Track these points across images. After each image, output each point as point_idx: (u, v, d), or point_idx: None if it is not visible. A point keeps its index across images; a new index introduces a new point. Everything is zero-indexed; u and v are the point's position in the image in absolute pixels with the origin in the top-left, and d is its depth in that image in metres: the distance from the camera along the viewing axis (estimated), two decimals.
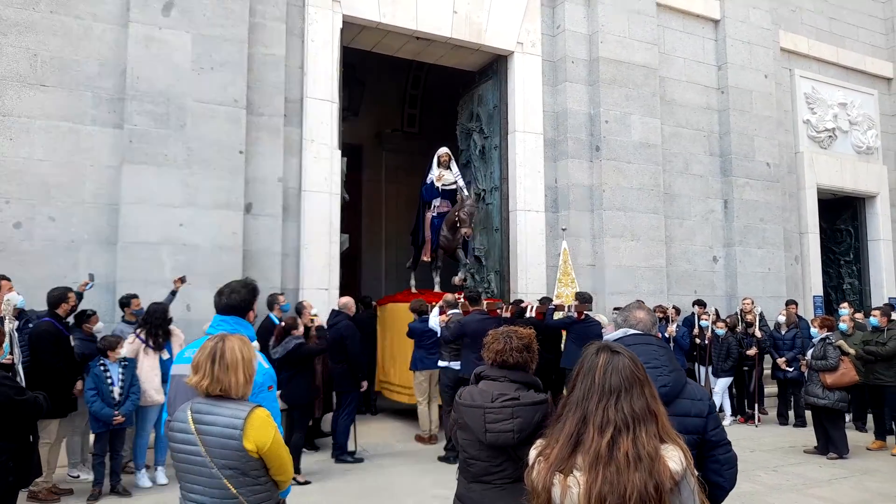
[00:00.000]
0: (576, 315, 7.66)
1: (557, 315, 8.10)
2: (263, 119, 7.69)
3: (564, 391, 2.70)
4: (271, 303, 7.13)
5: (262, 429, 2.28)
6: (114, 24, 7.04)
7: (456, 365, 7.04)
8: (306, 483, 5.84)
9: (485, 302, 7.53)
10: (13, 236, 6.44)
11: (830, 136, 12.60)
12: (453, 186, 9.71)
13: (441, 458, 6.83)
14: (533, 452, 1.84)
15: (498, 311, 7.56)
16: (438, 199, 9.72)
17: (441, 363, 7.27)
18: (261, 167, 7.61)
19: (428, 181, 9.90)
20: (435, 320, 7.43)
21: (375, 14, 8.63)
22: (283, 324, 6.09)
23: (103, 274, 6.67)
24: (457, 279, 9.39)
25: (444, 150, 9.89)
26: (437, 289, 9.67)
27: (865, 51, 13.50)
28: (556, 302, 8.06)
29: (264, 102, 7.72)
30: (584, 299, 7.81)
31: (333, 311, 7.28)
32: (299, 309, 7.21)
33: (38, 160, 6.60)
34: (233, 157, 7.30)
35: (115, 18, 7.05)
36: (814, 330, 7.69)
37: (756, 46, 11.43)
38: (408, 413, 8.63)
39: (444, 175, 9.75)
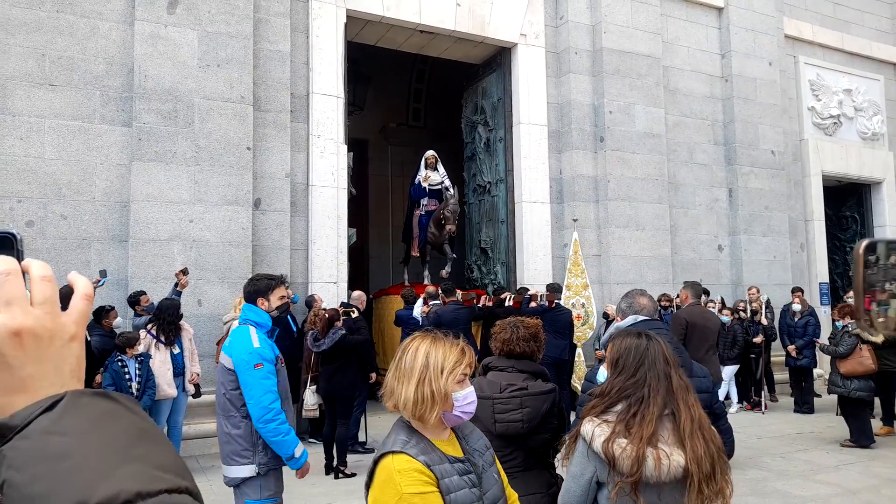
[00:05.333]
0: (547, 304, 8.06)
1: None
2: (270, 115, 7.75)
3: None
4: None
5: (382, 488, 1.65)
6: (119, 22, 7.10)
7: None
8: (353, 475, 5.94)
9: (459, 293, 8.07)
10: (25, 235, 6.52)
11: (835, 123, 12.56)
12: (439, 186, 10.18)
13: None
14: (601, 429, 1.97)
15: (472, 300, 8.09)
16: (426, 198, 10.29)
17: None
18: (268, 163, 7.68)
19: (416, 182, 10.42)
20: (418, 311, 7.92)
21: (379, 8, 8.66)
22: (327, 315, 6.14)
23: (115, 270, 6.76)
24: (444, 272, 9.77)
25: (430, 152, 10.40)
26: (426, 282, 10.03)
27: (871, 36, 13.43)
28: (531, 292, 8.42)
29: (270, 98, 7.77)
30: (554, 289, 8.26)
31: (343, 303, 7.37)
32: (309, 303, 7.31)
33: (48, 159, 6.67)
34: (240, 153, 7.36)
35: (120, 17, 7.10)
36: (838, 322, 7.68)
37: (760, 34, 11.40)
38: None
39: (430, 176, 10.25)
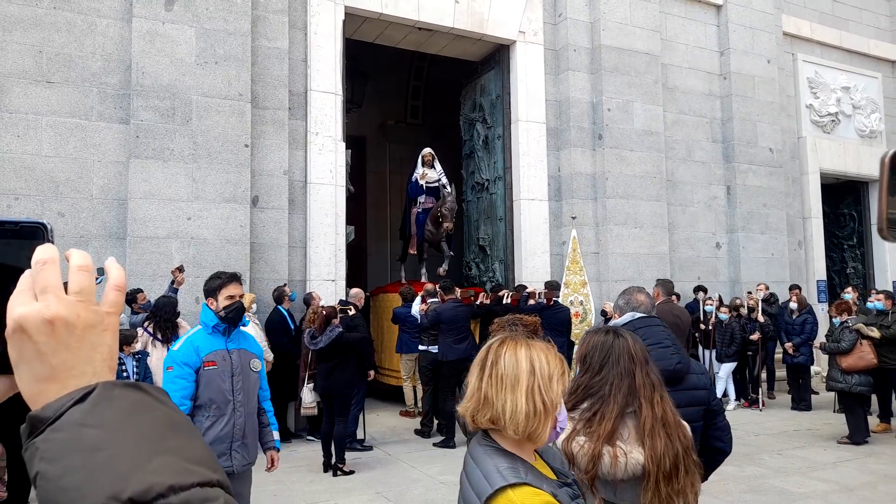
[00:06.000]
0: (545, 301, 8.08)
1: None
2: (268, 112, 7.73)
3: None
4: (280, 296, 7.21)
5: None
6: (117, 19, 7.08)
7: (434, 349, 7.55)
8: (351, 473, 5.94)
9: (458, 291, 8.07)
10: (4, 215, 6.50)
11: (833, 121, 12.58)
12: (437, 184, 10.17)
13: (417, 432, 7.54)
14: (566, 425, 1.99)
15: (471, 298, 8.13)
16: (423, 195, 10.22)
17: (421, 347, 7.86)
18: (266, 160, 7.67)
19: (413, 179, 10.37)
20: (416, 308, 7.95)
21: (377, 5, 8.64)
22: (324, 313, 6.13)
23: None
24: (441, 270, 9.76)
25: (427, 150, 10.35)
26: (423, 279, 10.02)
27: (869, 34, 13.44)
28: (529, 289, 8.42)
29: (269, 96, 7.76)
30: (552, 287, 8.31)
31: (342, 300, 7.37)
32: (307, 300, 7.31)
33: (45, 156, 6.66)
34: (238, 150, 7.35)
35: (118, 13, 7.08)
36: (835, 319, 7.71)
37: (758, 31, 11.40)
38: (396, 395, 9.13)
39: (427, 173, 10.19)
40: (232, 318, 3.23)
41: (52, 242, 0.64)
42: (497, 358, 1.46)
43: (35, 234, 0.65)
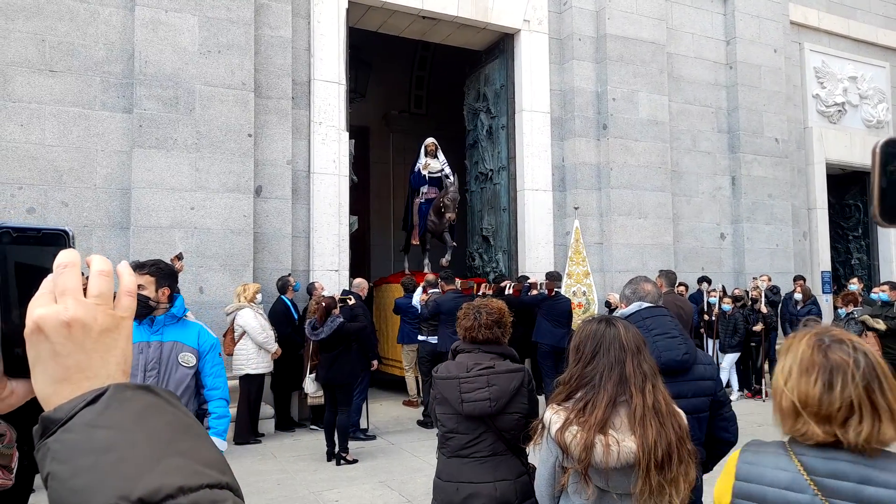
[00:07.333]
0: (546, 292, 8.10)
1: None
2: (271, 102, 7.71)
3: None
4: (284, 286, 7.21)
5: None
6: (120, 7, 7.04)
7: (433, 339, 7.62)
8: (354, 462, 5.97)
9: (458, 281, 8.10)
10: (27, 222, 6.50)
11: (840, 111, 12.48)
12: (439, 174, 10.15)
13: (420, 423, 7.55)
14: (557, 416, 1.98)
15: (471, 289, 8.10)
16: (426, 186, 10.25)
17: (420, 337, 7.90)
18: (269, 150, 7.65)
19: (416, 169, 10.38)
20: (417, 299, 7.97)
21: None
22: (323, 304, 6.13)
23: (116, 258, 6.75)
24: (444, 261, 9.76)
25: (430, 140, 10.35)
26: (426, 270, 10.02)
27: (877, 22, 13.30)
28: (530, 280, 8.43)
29: (272, 85, 7.72)
30: (553, 278, 8.32)
31: (344, 290, 7.38)
32: (310, 290, 7.32)
33: (49, 146, 6.65)
34: (241, 140, 7.33)
35: (121, 2, 7.05)
36: (841, 310, 7.69)
37: (765, 20, 11.29)
38: (399, 385, 9.18)
39: (430, 163, 10.21)
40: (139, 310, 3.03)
41: (74, 248, 0.66)
42: (880, 366, 1.34)
43: (57, 240, 0.66)
